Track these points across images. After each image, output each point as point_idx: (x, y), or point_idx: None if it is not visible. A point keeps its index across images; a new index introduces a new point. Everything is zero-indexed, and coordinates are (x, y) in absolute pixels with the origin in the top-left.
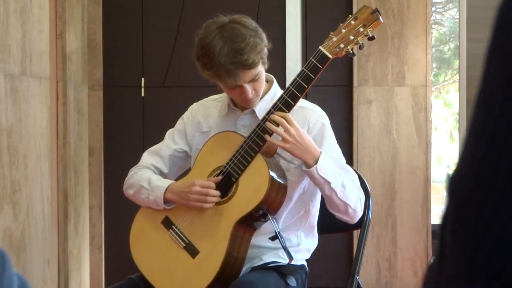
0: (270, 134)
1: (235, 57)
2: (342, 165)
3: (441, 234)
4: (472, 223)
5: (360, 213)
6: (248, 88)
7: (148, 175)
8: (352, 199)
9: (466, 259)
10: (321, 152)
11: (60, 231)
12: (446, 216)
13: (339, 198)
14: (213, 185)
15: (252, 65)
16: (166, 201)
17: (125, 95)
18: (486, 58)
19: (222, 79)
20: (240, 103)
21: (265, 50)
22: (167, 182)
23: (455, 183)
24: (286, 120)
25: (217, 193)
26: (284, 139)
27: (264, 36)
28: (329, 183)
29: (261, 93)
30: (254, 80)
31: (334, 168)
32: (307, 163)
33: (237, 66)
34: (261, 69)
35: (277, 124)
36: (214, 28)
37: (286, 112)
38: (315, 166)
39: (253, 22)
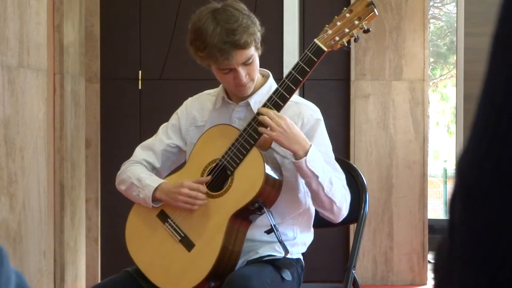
0: (266, 127)
1: (228, 37)
2: (330, 161)
3: (450, 219)
4: (477, 216)
5: (344, 212)
6: (242, 71)
7: (139, 172)
8: (338, 197)
9: (473, 247)
10: (311, 145)
11: (56, 223)
12: (454, 203)
13: (325, 193)
14: (203, 188)
15: (244, 45)
16: (155, 199)
17: (122, 87)
18: (488, 52)
19: (214, 59)
20: (234, 90)
21: (258, 35)
22: (157, 181)
23: (461, 175)
24: (269, 114)
25: (204, 196)
26: (271, 127)
27: (257, 21)
28: (316, 177)
29: (255, 79)
30: (247, 63)
31: (323, 163)
32: (296, 154)
33: (229, 45)
34: (254, 53)
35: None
36: (206, 12)
37: (281, 105)
38: (304, 158)
39: (245, 7)
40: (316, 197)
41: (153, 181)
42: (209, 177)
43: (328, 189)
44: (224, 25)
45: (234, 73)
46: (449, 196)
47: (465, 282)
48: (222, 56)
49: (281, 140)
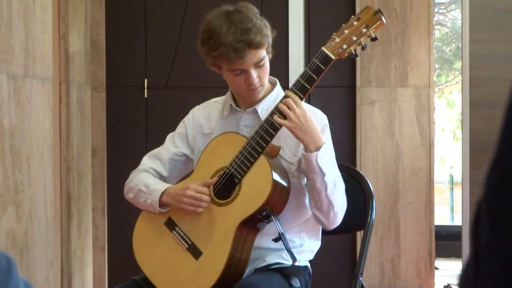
0: (278, 128)
1: (242, 36)
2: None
3: (474, 237)
4: (509, 221)
5: (338, 221)
6: (253, 73)
7: (146, 179)
8: (337, 202)
9: (504, 260)
10: (324, 143)
11: (63, 233)
12: (480, 219)
13: (327, 194)
14: (207, 191)
15: (258, 45)
16: (162, 204)
17: (128, 96)
18: None
19: (227, 58)
20: (244, 95)
21: (270, 39)
22: (164, 186)
23: (491, 184)
24: (294, 101)
25: (209, 198)
26: (289, 118)
27: (268, 24)
28: (323, 174)
29: (265, 84)
30: (259, 65)
31: (332, 164)
32: (308, 148)
33: (244, 43)
34: (266, 56)
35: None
36: (219, 13)
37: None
38: (316, 152)
39: (257, 10)
40: (316, 197)
41: (160, 186)
42: (216, 178)
43: (331, 190)
44: (239, 24)
45: (245, 75)
46: (472, 221)
47: None
48: (236, 54)
49: (296, 131)
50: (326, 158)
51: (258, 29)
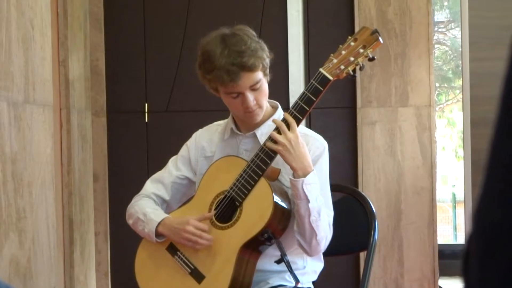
0: (274, 155)
1: (235, 59)
2: (324, 194)
3: (464, 271)
4: (500, 256)
5: (320, 250)
6: (250, 96)
7: (145, 206)
8: (321, 230)
9: None
10: (313, 170)
11: (66, 258)
12: (469, 254)
13: (310, 222)
14: (206, 227)
15: (252, 67)
16: (158, 234)
17: (129, 120)
18: (503, 91)
19: (221, 81)
20: (243, 117)
21: (267, 61)
22: (161, 216)
23: (481, 219)
24: (290, 125)
25: (210, 237)
26: (279, 142)
27: (266, 47)
28: (308, 201)
29: (263, 106)
30: (255, 88)
31: (318, 192)
32: (296, 173)
33: (237, 67)
34: (262, 79)
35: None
36: (215, 35)
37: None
38: (303, 179)
39: (254, 33)
40: (300, 223)
41: (157, 215)
42: (213, 212)
43: (314, 218)
44: (232, 47)
45: (242, 97)
46: (462, 256)
47: None
48: (229, 77)
49: (284, 154)
50: (313, 186)
51: (252, 52)
